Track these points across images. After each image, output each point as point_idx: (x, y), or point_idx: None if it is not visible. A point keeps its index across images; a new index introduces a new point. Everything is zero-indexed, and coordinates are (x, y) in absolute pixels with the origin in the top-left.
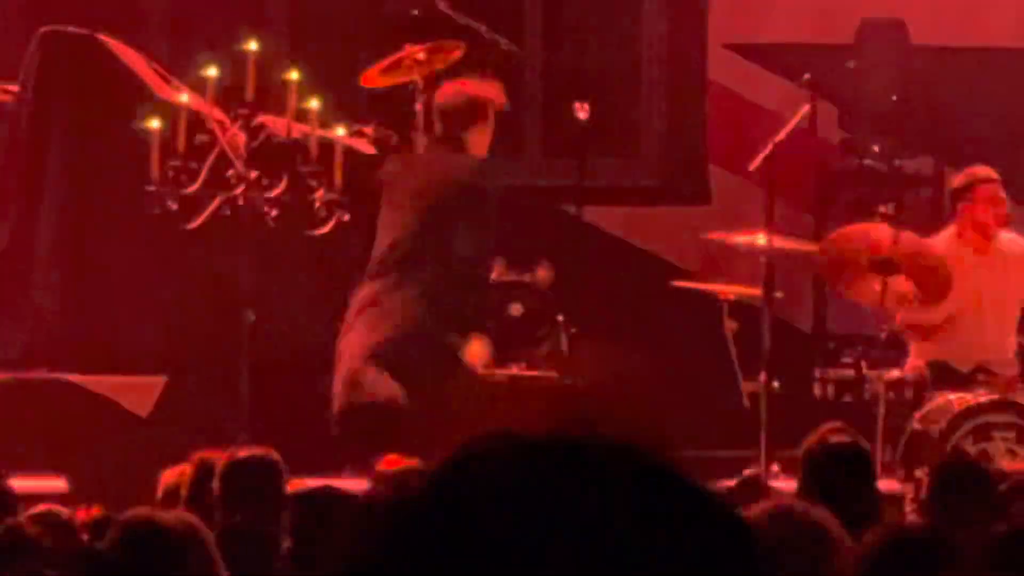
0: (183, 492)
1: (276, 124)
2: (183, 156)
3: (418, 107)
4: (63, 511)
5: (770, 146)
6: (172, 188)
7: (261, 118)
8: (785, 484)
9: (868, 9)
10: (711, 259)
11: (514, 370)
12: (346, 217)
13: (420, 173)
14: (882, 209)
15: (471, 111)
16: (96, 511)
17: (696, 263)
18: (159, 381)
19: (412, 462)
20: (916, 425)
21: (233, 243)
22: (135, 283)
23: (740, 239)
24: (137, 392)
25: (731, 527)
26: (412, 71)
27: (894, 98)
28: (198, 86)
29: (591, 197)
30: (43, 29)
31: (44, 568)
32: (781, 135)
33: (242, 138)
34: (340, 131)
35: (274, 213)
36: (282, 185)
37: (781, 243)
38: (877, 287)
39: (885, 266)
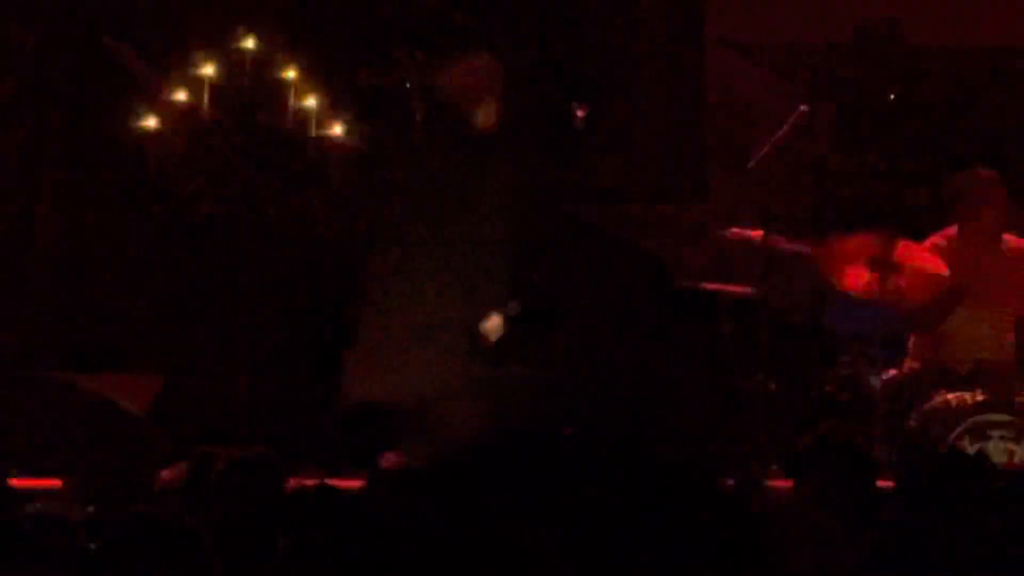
0: (181, 490)
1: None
2: (182, 155)
3: (415, 106)
4: (61, 510)
5: (768, 145)
6: (171, 187)
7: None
8: (783, 484)
9: (867, 8)
10: (709, 258)
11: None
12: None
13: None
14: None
15: (478, 89)
16: (93, 510)
17: (694, 262)
18: (157, 380)
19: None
20: (914, 425)
21: (233, 243)
22: (134, 282)
23: (738, 238)
24: (135, 391)
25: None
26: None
27: (892, 98)
28: (194, 84)
29: (589, 197)
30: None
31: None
32: (779, 134)
33: (240, 138)
34: (337, 129)
35: (271, 212)
36: (281, 184)
37: (779, 242)
38: (876, 285)
39: (884, 266)
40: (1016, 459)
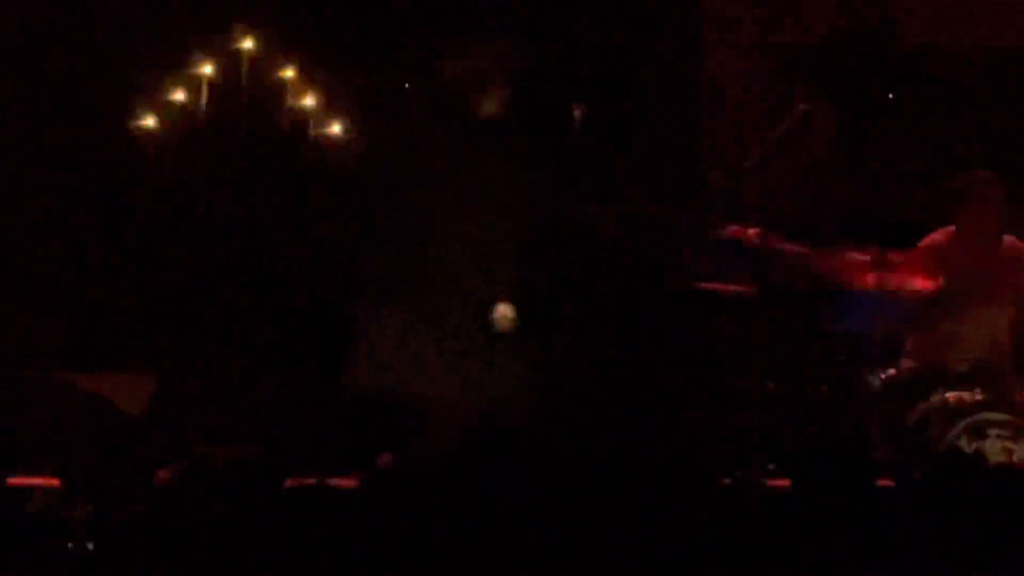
0: (179, 490)
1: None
2: (181, 155)
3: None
4: (60, 510)
5: (768, 145)
6: (170, 185)
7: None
8: (782, 484)
9: (867, 8)
10: (708, 258)
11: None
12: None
13: None
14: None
15: (487, 73)
16: (92, 510)
17: (692, 262)
18: (156, 380)
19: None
20: (912, 424)
21: (233, 242)
22: (132, 282)
23: (736, 238)
24: (134, 391)
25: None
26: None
27: (891, 97)
28: (192, 83)
29: (589, 197)
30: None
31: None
32: (778, 134)
33: (238, 137)
34: (335, 128)
35: (270, 211)
36: (280, 184)
37: (777, 242)
38: (877, 280)
39: (883, 266)
40: (1014, 458)
